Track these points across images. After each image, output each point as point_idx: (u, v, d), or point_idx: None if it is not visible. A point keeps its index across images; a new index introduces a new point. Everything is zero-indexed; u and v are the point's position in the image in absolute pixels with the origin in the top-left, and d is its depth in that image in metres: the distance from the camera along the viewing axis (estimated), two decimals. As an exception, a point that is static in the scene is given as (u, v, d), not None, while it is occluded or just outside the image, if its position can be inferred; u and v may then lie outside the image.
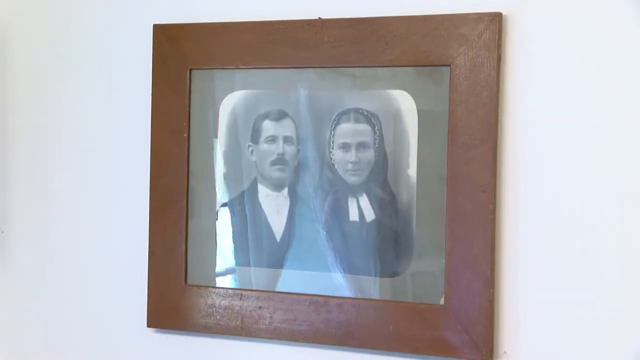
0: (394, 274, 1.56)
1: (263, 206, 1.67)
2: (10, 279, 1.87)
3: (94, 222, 1.81)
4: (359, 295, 1.57)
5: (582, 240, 1.43)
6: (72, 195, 1.82)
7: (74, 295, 1.82)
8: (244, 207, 1.69)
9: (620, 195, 1.42)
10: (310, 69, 1.60)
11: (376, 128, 1.56)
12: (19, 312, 1.87)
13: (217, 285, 1.69)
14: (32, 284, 1.85)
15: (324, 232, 1.61)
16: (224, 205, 1.69)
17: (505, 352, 1.46)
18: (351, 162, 1.58)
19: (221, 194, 1.69)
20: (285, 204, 1.65)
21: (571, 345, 1.44)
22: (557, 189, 1.45)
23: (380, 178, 1.56)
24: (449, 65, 1.47)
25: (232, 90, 1.67)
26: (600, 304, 1.42)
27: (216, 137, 1.68)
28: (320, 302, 1.58)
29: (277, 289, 1.64)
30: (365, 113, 1.57)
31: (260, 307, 1.65)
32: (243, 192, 1.68)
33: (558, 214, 1.44)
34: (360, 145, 1.57)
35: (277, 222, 1.66)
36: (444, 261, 1.49)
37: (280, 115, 1.64)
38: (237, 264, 1.69)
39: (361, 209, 1.59)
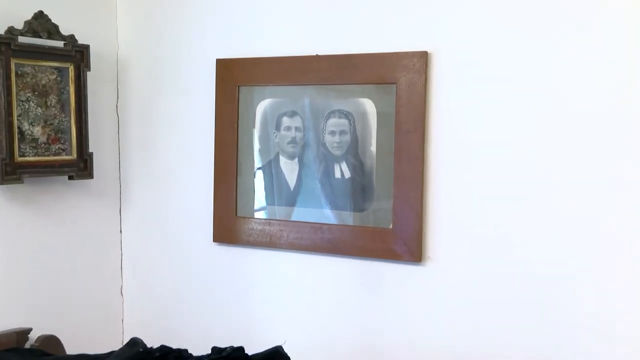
0: (362, 210, 1.89)
1: (282, 169, 1.96)
2: (129, 217, 2.27)
3: (180, 179, 2.16)
4: (341, 223, 1.91)
5: (480, 189, 1.74)
6: (168, 164, 2.20)
7: (169, 222, 2.22)
8: (271, 169, 1.98)
9: (507, 147, 1.70)
10: (311, 86, 1.91)
11: (351, 122, 1.87)
12: (136, 239, 2.27)
13: (255, 217, 2.03)
14: (146, 220, 2.26)
15: (319, 185, 1.91)
16: (259, 168, 2.01)
17: (429, 257, 1.84)
18: (336, 142, 1.89)
19: (257, 162, 2.02)
20: (296, 167, 1.94)
21: (472, 252, 1.77)
22: (464, 156, 1.77)
23: (354, 152, 1.87)
24: (395, 84, 1.81)
25: (263, 98, 1.99)
26: (498, 228, 1.72)
27: (254, 127, 2.01)
28: (317, 227, 1.93)
29: (291, 219, 1.97)
30: (345, 112, 1.88)
31: (281, 230, 1.99)
32: (270, 160, 1.98)
33: (464, 172, 1.76)
34: (342, 132, 1.89)
35: (291, 179, 1.95)
36: (392, 202, 1.83)
37: (293, 114, 1.94)
38: (267, 204, 2.02)
39: (342, 170, 1.88)
